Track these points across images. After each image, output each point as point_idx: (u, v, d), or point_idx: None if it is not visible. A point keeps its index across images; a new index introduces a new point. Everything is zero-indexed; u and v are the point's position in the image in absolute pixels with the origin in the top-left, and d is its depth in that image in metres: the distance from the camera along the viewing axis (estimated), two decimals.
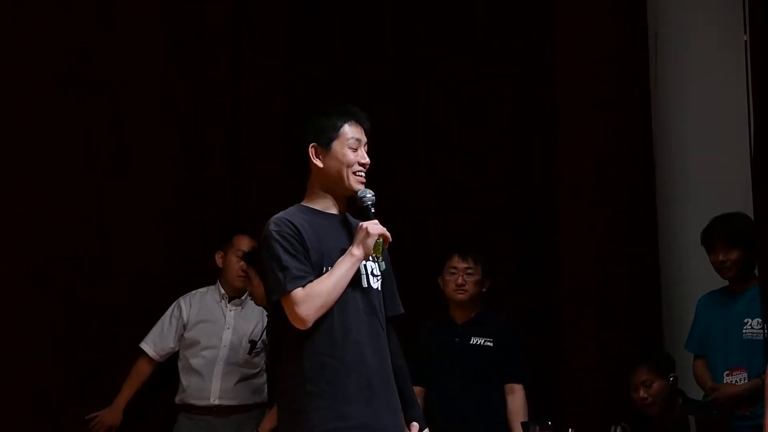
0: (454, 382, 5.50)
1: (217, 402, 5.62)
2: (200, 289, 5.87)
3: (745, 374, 5.29)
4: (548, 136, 6.02)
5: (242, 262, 5.72)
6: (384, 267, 3.92)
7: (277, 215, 3.86)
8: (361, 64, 6.39)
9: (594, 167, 5.76)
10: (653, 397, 5.28)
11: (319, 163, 3.90)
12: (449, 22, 6.39)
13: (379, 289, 3.96)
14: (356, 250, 3.82)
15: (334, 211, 3.95)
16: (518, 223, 6.14)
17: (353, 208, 4.02)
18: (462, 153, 6.25)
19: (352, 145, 3.91)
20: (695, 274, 5.70)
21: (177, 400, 5.77)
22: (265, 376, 5.73)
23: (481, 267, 5.60)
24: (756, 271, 5.25)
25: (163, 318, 5.86)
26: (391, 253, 4.06)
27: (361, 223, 3.86)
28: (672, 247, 5.89)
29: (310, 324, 3.75)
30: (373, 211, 3.89)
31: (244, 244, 5.79)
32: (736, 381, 5.30)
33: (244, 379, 5.67)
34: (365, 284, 3.90)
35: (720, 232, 5.38)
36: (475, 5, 6.35)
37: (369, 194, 3.91)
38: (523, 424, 5.14)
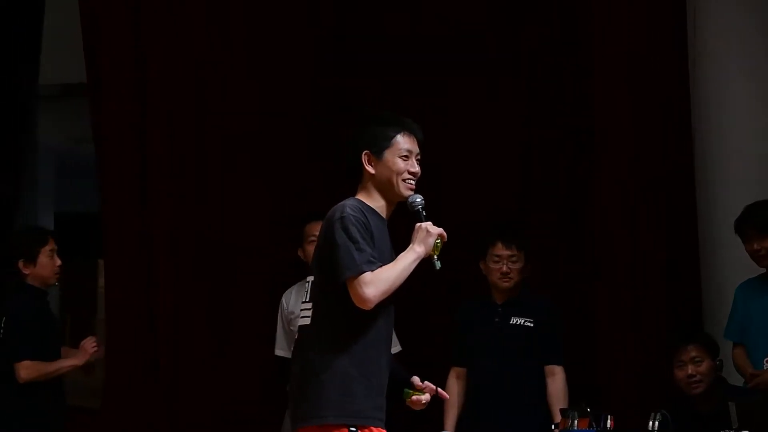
0: (493, 361, 5.46)
1: None
2: (298, 282, 5.82)
3: None
4: (586, 133, 6.05)
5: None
6: (440, 266, 4.00)
7: (348, 202, 3.98)
8: (380, 72, 6.34)
9: (632, 161, 5.80)
10: (702, 375, 5.19)
11: (371, 170, 4.05)
12: (461, 20, 6.38)
13: None
14: (418, 248, 3.96)
15: (384, 214, 4.09)
16: (556, 218, 6.14)
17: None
18: (498, 152, 6.25)
19: (402, 154, 4.06)
20: (735, 263, 5.64)
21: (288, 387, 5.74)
22: None
23: (524, 253, 5.52)
24: None
25: (277, 321, 5.95)
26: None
27: (418, 224, 4.00)
28: (712, 237, 5.85)
29: (371, 306, 3.89)
30: (424, 214, 4.03)
31: (316, 228, 5.77)
32: None
33: None
34: None
35: (752, 221, 5.36)
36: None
37: (419, 199, 4.06)
38: (562, 410, 5.09)
